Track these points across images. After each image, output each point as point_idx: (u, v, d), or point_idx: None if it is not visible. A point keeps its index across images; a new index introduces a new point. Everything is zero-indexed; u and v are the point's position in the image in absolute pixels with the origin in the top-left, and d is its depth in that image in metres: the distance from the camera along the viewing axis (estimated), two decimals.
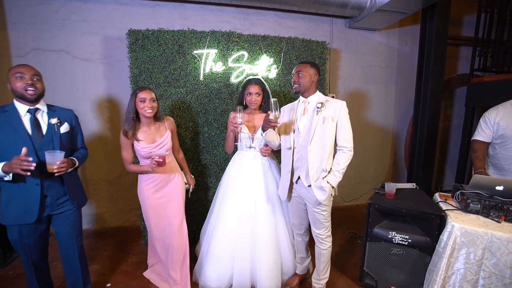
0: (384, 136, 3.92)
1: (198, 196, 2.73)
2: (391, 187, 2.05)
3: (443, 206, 1.85)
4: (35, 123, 1.52)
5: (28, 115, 1.51)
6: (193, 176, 2.26)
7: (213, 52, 2.60)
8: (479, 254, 1.53)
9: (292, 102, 1.99)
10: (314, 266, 2.08)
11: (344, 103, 1.76)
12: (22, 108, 1.50)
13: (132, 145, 1.86)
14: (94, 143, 2.92)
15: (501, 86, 2.68)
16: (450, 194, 1.99)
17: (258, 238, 1.97)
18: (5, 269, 2.31)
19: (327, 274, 1.99)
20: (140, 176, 1.96)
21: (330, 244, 1.92)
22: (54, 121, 1.56)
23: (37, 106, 1.54)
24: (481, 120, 2.08)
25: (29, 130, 1.50)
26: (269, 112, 1.67)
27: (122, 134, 1.81)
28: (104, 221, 3.14)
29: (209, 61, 2.61)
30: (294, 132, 1.84)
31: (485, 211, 1.66)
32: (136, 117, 1.84)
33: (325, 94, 1.93)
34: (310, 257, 2.16)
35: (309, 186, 1.78)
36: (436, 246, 1.68)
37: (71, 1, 2.73)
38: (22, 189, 1.50)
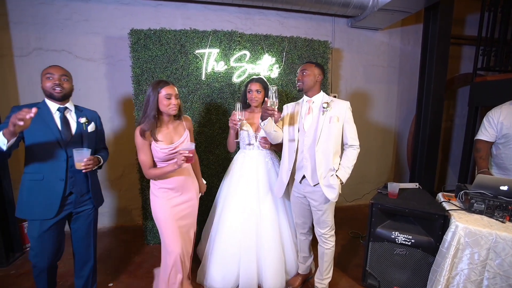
0: (386, 136, 3.91)
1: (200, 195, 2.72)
2: (394, 187, 2.04)
3: (447, 206, 1.84)
4: (65, 121, 1.59)
5: (58, 113, 1.59)
6: (205, 182, 2.04)
7: (215, 51, 2.60)
8: (483, 254, 1.52)
9: (294, 102, 1.98)
10: (316, 266, 2.07)
11: (348, 104, 1.80)
12: (52, 106, 1.58)
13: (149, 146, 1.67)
14: None
15: (505, 85, 2.66)
16: (454, 194, 1.98)
17: (262, 236, 1.97)
18: (7, 268, 2.31)
19: (330, 274, 1.99)
20: (153, 183, 1.74)
21: (333, 243, 1.92)
22: (83, 120, 1.65)
23: (66, 105, 1.62)
24: (484, 119, 2.07)
25: (59, 127, 1.57)
26: (266, 99, 1.63)
27: (139, 134, 1.61)
28: (105, 221, 3.14)
29: (211, 61, 2.60)
30: (298, 131, 1.84)
31: (489, 211, 1.65)
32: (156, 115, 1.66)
33: (327, 94, 1.92)
34: (313, 256, 2.15)
35: (315, 185, 1.78)
36: (440, 246, 1.67)
37: (72, 1, 2.73)
38: (45, 183, 1.53)
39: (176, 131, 1.72)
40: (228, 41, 2.63)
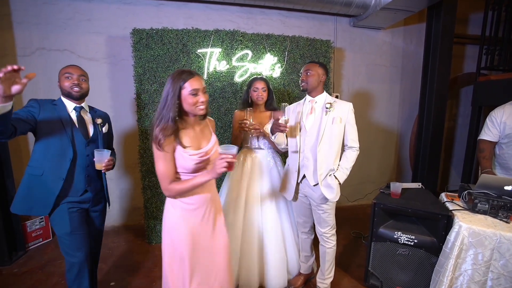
0: (389, 135, 3.89)
1: None
2: (397, 187, 2.03)
3: (450, 206, 1.82)
4: (81, 120, 1.61)
5: (75, 112, 1.60)
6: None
7: (217, 51, 2.60)
8: (487, 255, 1.51)
9: (296, 101, 1.98)
10: (318, 265, 2.07)
11: (351, 105, 1.80)
12: (69, 105, 1.60)
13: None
14: None
15: (508, 85, 2.64)
16: (457, 194, 1.97)
17: (265, 236, 1.97)
18: (10, 267, 2.32)
19: (332, 274, 1.98)
20: (174, 202, 1.30)
21: (334, 243, 1.92)
22: (99, 121, 1.67)
23: (82, 105, 1.64)
24: (487, 119, 2.06)
25: (77, 126, 1.59)
26: (279, 116, 1.70)
27: (154, 143, 1.22)
28: (107, 220, 3.13)
29: (213, 60, 2.60)
30: (300, 131, 1.84)
31: (493, 212, 1.63)
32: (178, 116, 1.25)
33: (329, 94, 1.93)
34: (314, 255, 2.15)
35: (315, 185, 1.78)
36: (443, 246, 1.65)
37: (75, 0, 2.74)
38: (43, 180, 1.50)
39: (202, 134, 1.37)
40: (230, 41, 2.63)
